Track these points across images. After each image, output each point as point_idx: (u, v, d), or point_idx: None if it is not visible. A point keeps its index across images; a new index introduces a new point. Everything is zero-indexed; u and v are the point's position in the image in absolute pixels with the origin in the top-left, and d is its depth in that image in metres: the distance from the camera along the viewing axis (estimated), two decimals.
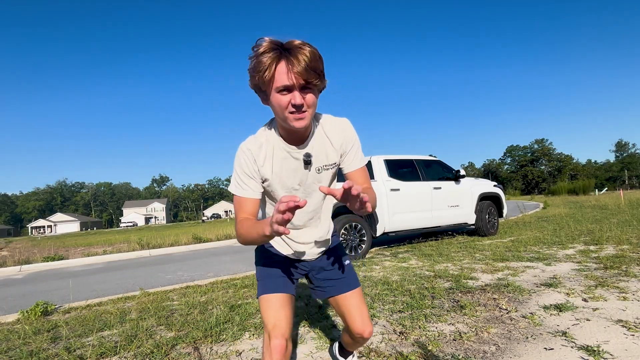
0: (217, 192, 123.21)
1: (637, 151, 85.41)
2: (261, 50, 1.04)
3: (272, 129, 1.24)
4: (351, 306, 1.39)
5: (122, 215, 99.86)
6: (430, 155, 7.38)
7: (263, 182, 1.26)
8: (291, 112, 1.09)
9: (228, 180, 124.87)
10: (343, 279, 1.43)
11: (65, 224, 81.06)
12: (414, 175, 6.57)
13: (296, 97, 1.06)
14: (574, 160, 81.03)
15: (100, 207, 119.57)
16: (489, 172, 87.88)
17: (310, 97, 1.09)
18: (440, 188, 6.68)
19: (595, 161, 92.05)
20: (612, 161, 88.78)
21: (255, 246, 1.44)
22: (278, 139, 1.23)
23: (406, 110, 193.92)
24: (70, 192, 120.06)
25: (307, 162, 1.25)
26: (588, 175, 67.79)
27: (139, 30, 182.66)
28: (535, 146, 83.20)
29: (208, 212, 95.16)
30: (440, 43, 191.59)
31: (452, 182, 6.91)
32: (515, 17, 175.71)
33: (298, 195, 1.29)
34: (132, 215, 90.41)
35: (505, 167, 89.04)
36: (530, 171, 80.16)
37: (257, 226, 1.09)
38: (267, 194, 1.32)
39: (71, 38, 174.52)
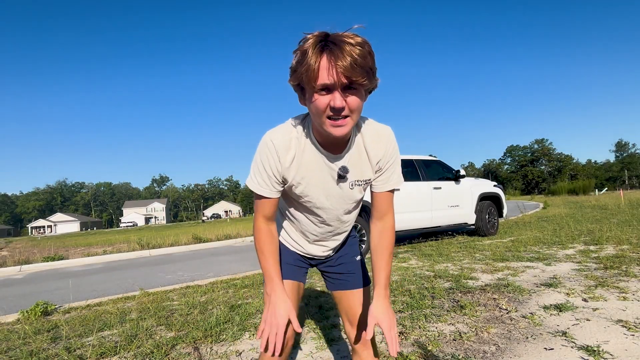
0: (217, 192, 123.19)
1: (637, 151, 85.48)
2: (305, 43, 0.91)
3: (307, 126, 1.09)
4: (354, 304, 1.30)
5: (122, 215, 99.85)
6: (430, 155, 7.37)
7: (284, 184, 1.13)
8: (329, 117, 0.94)
9: (228, 180, 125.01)
10: (352, 275, 1.34)
11: (65, 224, 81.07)
12: (414, 175, 6.56)
13: (336, 98, 0.91)
14: (574, 160, 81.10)
15: (100, 207, 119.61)
16: (489, 172, 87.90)
17: (353, 100, 0.93)
18: (440, 188, 6.67)
19: (595, 161, 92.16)
20: (612, 161, 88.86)
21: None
22: (312, 140, 1.08)
23: (406, 109, 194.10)
24: (70, 192, 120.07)
25: (342, 177, 1.12)
26: (588, 175, 67.78)
27: (139, 29, 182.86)
28: (535, 146, 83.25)
29: (208, 212, 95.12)
30: (440, 42, 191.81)
31: (452, 182, 6.91)
32: (515, 16, 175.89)
33: (323, 205, 1.17)
34: (132, 215, 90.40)
35: (505, 167, 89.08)
36: (530, 171, 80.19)
37: (265, 270, 1.15)
38: (287, 191, 1.18)
39: (71, 38, 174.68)
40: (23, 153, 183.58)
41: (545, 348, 1.97)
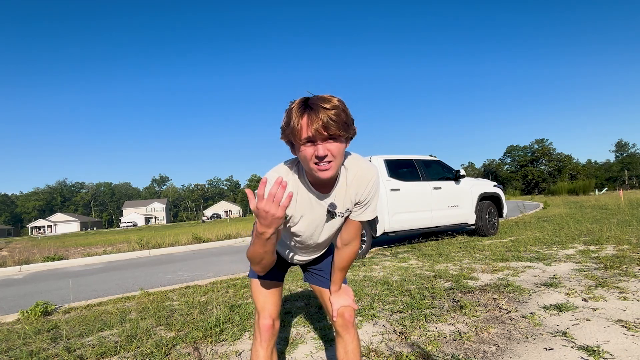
0: (217, 192, 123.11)
1: (637, 151, 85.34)
2: (290, 108, 1.13)
3: (300, 171, 1.27)
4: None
5: (122, 215, 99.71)
6: (430, 155, 7.38)
7: (285, 218, 1.27)
8: (315, 163, 1.12)
9: (228, 180, 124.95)
10: (329, 276, 1.52)
11: (65, 224, 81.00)
12: (414, 175, 6.57)
13: (319, 149, 1.10)
14: (574, 160, 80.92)
15: (100, 207, 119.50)
16: (489, 172, 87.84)
17: (335, 147, 1.11)
18: (440, 188, 6.67)
19: (595, 161, 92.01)
20: (612, 161, 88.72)
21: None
22: (304, 182, 1.26)
23: (406, 109, 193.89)
24: (70, 192, 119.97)
25: (331, 213, 1.30)
26: (588, 175, 67.69)
27: (139, 29, 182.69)
28: (535, 146, 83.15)
29: (208, 212, 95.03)
30: (440, 41, 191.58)
31: (452, 182, 6.91)
32: (515, 15, 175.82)
33: (313, 234, 1.35)
34: (132, 215, 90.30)
35: (505, 167, 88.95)
36: (530, 171, 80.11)
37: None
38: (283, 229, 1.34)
39: (71, 37, 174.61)
40: (23, 153, 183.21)
41: (545, 348, 1.97)
